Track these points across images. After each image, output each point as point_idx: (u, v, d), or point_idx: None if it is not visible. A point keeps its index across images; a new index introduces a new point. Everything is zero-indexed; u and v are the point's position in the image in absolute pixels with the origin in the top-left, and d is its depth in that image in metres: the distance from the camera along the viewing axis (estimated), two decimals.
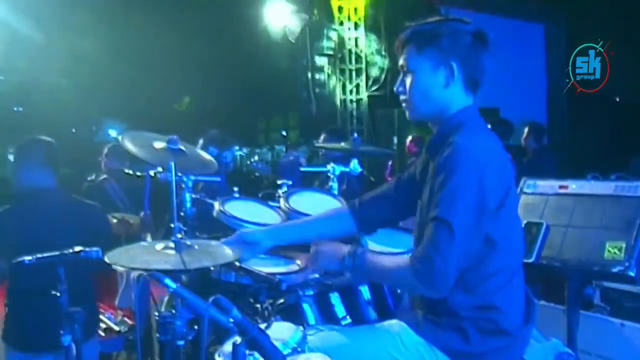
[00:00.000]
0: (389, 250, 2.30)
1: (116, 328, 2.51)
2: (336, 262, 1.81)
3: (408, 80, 1.74)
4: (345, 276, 1.93)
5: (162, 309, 1.96)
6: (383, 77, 10.36)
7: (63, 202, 2.71)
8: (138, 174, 3.23)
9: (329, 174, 3.10)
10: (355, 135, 3.80)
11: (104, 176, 4.43)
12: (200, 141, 3.98)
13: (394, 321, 1.79)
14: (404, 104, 1.78)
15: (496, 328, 1.65)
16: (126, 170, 3.40)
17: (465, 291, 1.64)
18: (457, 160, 1.57)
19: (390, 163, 7.52)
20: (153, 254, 1.78)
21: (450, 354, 1.67)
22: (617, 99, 11.59)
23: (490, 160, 1.60)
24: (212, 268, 2.19)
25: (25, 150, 2.69)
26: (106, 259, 1.71)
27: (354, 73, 10.42)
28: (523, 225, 2.55)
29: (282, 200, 2.71)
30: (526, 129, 5.81)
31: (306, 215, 2.59)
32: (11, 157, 2.62)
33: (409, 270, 1.59)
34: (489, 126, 1.87)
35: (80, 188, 4.39)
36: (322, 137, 4.67)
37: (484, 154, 1.60)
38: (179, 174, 2.66)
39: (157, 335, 1.76)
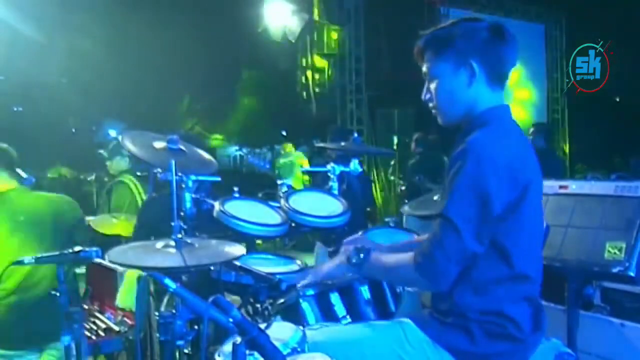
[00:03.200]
0: None
1: (116, 328, 2.49)
2: (341, 263, 1.83)
3: (433, 87, 1.75)
4: (347, 275, 1.93)
5: (162, 309, 1.96)
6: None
7: None
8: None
9: (329, 174, 3.10)
10: (355, 135, 3.80)
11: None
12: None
13: (399, 318, 1.80)
14: (433, 111, 1.79)
15: (504, 332, 1.64)
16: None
17: (475, 292, 1.63)
18: (467, 158, 1.57)
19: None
20: (153, 253, 1.78)
21: (455, 353, 1.66)
22: (617, 99, 11.60)
23: (502, 162, 1.58)
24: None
25: None
26: (107, 258, 1.71)
27: (353, 73, 10.40)
28: None
29: (282, 200, 2.70)
30: (533, 129, 5.76)
31: (306, 215, 2.59)
32: None
33: (412, 265, 1.61)
34: None
35: (80, 187, 4.36)
36: (328, 137, 4.68)
37: (496, 154, 1.58)
38: (179, 174, 2.66)
39: (157, 335, 1.76)
